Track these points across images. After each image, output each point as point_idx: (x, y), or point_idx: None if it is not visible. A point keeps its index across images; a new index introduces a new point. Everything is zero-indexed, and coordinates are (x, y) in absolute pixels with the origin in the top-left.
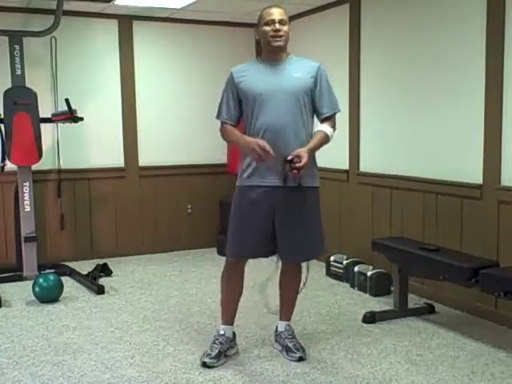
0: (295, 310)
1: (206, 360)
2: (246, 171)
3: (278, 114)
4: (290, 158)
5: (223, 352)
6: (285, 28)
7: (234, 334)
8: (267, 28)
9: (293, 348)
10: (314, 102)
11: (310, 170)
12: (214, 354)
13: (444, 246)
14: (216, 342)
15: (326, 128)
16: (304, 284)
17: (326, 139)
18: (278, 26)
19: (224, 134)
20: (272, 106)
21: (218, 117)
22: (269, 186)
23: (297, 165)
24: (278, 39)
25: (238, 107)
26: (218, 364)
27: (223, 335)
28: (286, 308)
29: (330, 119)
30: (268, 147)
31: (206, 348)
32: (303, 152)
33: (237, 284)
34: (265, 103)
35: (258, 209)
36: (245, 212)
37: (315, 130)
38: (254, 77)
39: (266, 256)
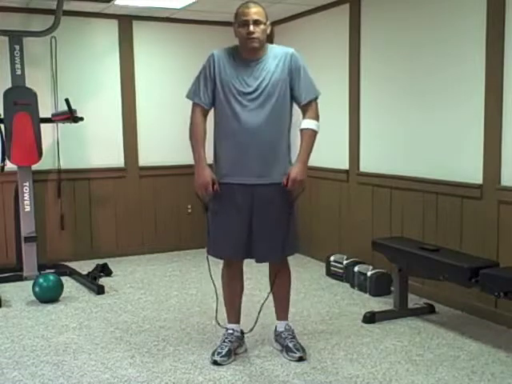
0: (295, 309)
1: (217, 358)
2: (221, 168)
3: (255, 114)
4: (283, 184)
5: (233, 350)
6: (260, 28)
7: (242, 332)
8: (242, 30)
9: (293, 348)
10: (291, 90)
11: (284, 167)
12: (224, 353)
13: (444, 246)
14: (226, 340)
15: (310, 124)
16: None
17: (314, 137)
18: (251, 27)
19: (193, 125)
20: (250, 107)
21: (191, 97)
22: (246, 184)
23: (288, 189)
24: (252, 41)
25: (214, 92)
26: (228, 362)
27: (232, 334)
28: (281, 307)
29: (311, 107)
30: (210, 190)
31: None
32: (293, 173)
33: (235, 282)
34: (242, 103)
35: (237, 208)
36: (223, 212)
37: (302, 127)
38: (233, 74)
39: (244, 258)
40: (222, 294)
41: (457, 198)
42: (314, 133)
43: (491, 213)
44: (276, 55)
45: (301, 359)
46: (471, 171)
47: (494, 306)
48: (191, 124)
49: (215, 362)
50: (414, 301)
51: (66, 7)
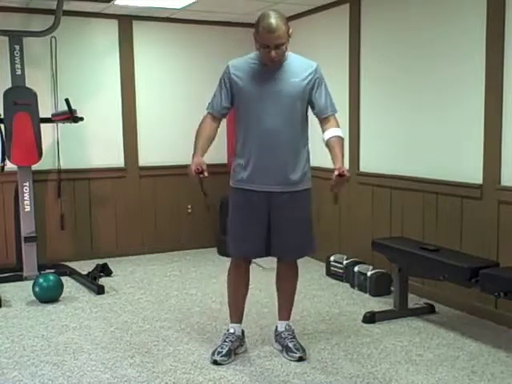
0: (295, 309)
1: (217, 358)
2: (240, 172)
3: (274, 119)
4: (337, 173)
5: (233, 350)
6: (281, 50)
7: (242, 332)
8: (263, 50)
9: (293, 348)
10: (312, 103)
11: (306, 174)
12: (224, 352)
13: (444, 246)
14: (226, 340)
15: (336, 131)
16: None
17: (343, 142)
18: (273, 53)
19: (200, 126)
20: (269, 112)
21: (207, 108)
22: (264, 191)
23: (345, 175)
24: (273, 63)
25: (230, 101)
26: (228, 362)
27: (233, 334)
28: (285, 308)
29: (333, 119)
30: (201, 169)
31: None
32: (342, 167)
33: (242, 283)
34: (261, 109)
35: (255, 212)
36: (242, 214)
37: (329, 136)
38: (251, 80)
39: (264, 256)
40: (227, 294)
41: (457, 198)
42: (342, 139)
43: (491, 213)
44: (298, 65)
45: (301, 359)
46: (471, 171)
47: (494, 306)
48: (199, 125)
49: (215, 362)
50: (413, 301)
51: (66, 7)
